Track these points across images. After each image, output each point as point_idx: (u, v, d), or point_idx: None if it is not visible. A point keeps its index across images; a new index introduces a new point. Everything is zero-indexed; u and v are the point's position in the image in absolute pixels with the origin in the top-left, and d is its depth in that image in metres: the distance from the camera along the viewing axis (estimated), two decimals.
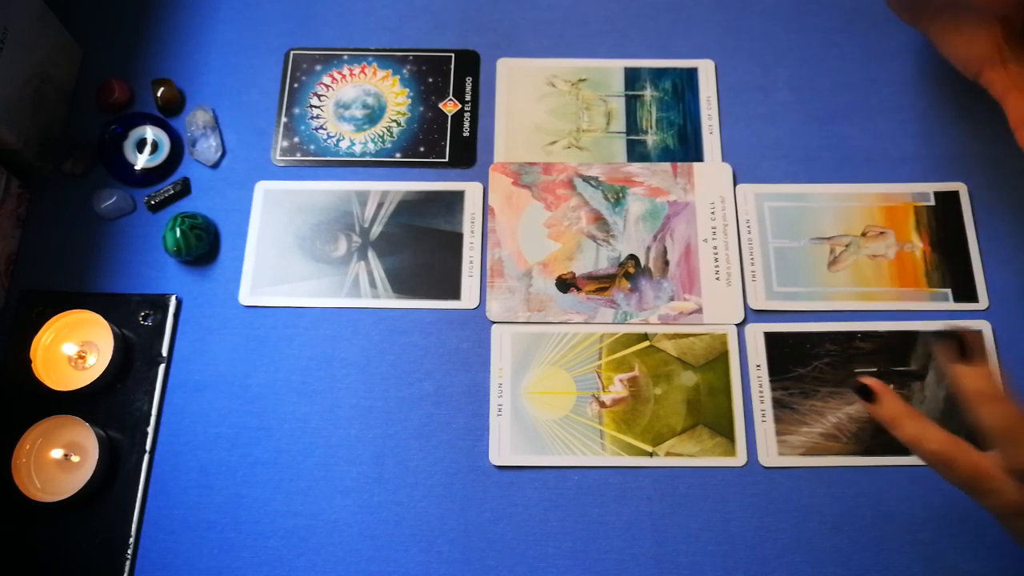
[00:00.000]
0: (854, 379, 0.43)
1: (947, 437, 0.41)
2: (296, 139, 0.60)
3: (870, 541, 0.49)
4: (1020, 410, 0.39)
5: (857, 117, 0.59)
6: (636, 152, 0.59)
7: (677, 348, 0.53)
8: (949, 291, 0.54)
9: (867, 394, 0.43)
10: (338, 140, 0.60)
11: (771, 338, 0.54)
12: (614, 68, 0.62)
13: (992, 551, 0.48)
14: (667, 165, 0.58)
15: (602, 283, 0.55)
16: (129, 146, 0.59)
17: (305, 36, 0.63)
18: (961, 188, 0.57)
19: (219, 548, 0.50)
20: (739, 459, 0.51)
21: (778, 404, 0.52)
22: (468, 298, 0.55)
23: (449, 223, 0.57)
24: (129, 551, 0.50)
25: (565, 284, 0.55)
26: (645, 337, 0.54)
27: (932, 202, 0.57)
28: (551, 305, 0.55)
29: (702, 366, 0.53)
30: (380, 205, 0.58)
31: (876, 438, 0.51)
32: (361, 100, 0.61)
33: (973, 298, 0.54)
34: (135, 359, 0.54)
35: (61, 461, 0.51)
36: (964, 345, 0.40)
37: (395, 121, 0.60)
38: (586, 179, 0.58)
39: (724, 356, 0.53)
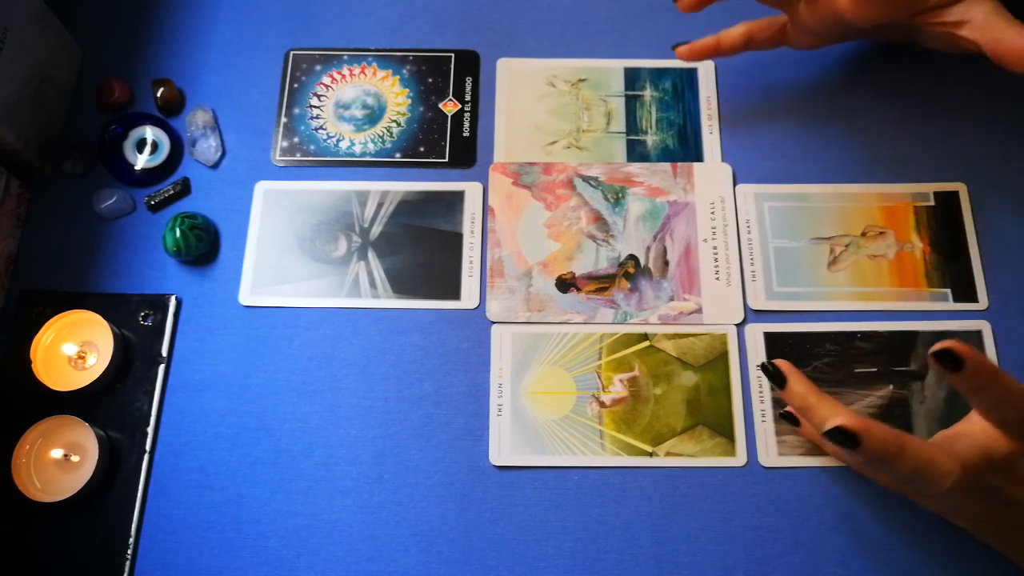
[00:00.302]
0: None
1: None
2: (296, 139, 0.60)
3: (870, 541, 0.49)
4: (839, 404, 0.42)
5: (857, 117, 0.59)
6: (636, 152, 0.59)
7: (677, 348, 0.53)
8: (949, 291, 0.54)
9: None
10: (338, 140, 0.60)
11: (771, 338, 0.54)
12: (614, 68, 0.62)
13: (992, 550, 0.48)
14: (667, 165, 0.58)
15: (602, 283, 0.55)
16: (129, 146, 0.59)
17: (305, 36, 0.63)
18: (961, 188, 0.57)
19: (219, 548, 0.50)
20: (739, 459, 0.51)
21: (778, 404, 0.52)
22: (468, 298, 0.55)
23: (449, 223, 0.57)
24: (129, 551, 0.50)
25: (565, 284, 0.55)
26: (645, 337, 0.54)
27: (932, 202, 0.57)
28: (551, 305, 0.55)
29: (702, 366, 0.53)
30: (380, 205, 0.58)
31: None
32: (361, 100, 0.61)
33: (973, 298, 0.54)
34: (135, 359, 0.54)
35: (61, 461, 0.51)
36: (775, 373, 0.45)
37: (395, 121, 0.60)
38: (586, 179, 0.58)
39: (724, 356, 0.53)
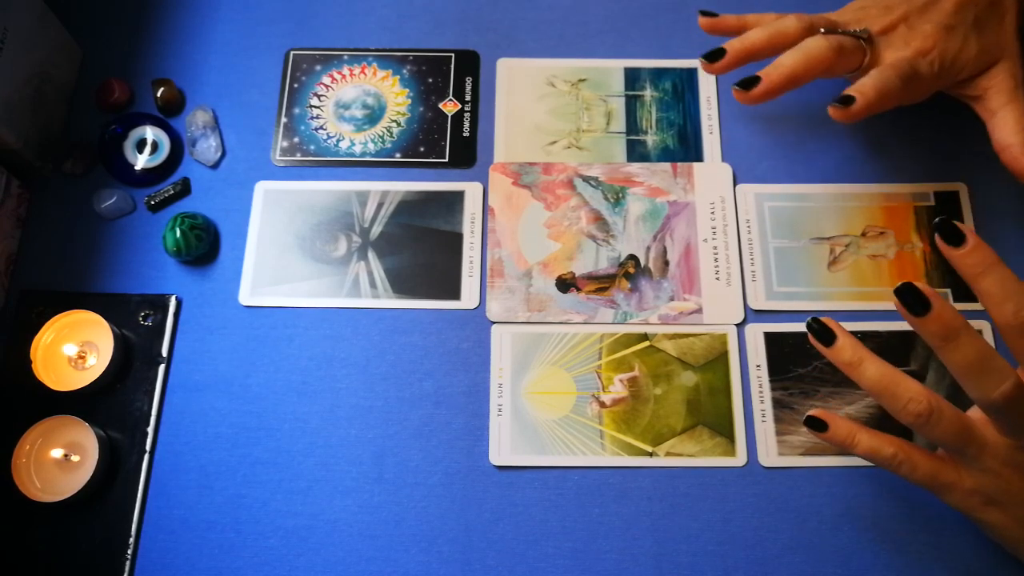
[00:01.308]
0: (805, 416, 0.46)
1: (900, 441, 0.44)
2: (296, 139, 0.60)
3: (870, 541, 0.49)
4: (887, 364, 0.42)
5: None
6: (636, 152, 0.59)
7: (677, 348, 0.54)
8: (949, 291, 0.54)
9: (818, 425, 0.45)
10: (338, 140, 0.60)
11: (771, 338, 0.54)
12: (614, 68, 0.62)
13: (993, 550, 0.48)
14: (667, 165, 0.58)
15: (602, 283, 0.55)
16: (129, 146, 0.59)
17: (305, 36, 0.63)
18: (961, 188, 0.57)
19: (219, 548, 0.50)
20: (739, 459, 0.51)
21: (778, 404, 0.52)
22: (468, 298, 0.55)
23: (449, 223, 0.57)
24: (129, 551, 0.50)
25: (565, 284, 0.55)
26: (645, 337, 0.54)
27: (932, 202, 0.57)
28: (551, 305, 0.55)
29: (702, 366, 0.53)
30: (380, 205, 0.58)
31: None
32: (361, 100, 0.61)
33: (973, 298, 0.54)
34: (135, 359, 0.54)
35: (61, 461, 0.51)
36: (822, 330, 0.43)
37: (395, 121, 0.60)
38: (586, 179, 0.58)
39: (724, 356, 0.53)
